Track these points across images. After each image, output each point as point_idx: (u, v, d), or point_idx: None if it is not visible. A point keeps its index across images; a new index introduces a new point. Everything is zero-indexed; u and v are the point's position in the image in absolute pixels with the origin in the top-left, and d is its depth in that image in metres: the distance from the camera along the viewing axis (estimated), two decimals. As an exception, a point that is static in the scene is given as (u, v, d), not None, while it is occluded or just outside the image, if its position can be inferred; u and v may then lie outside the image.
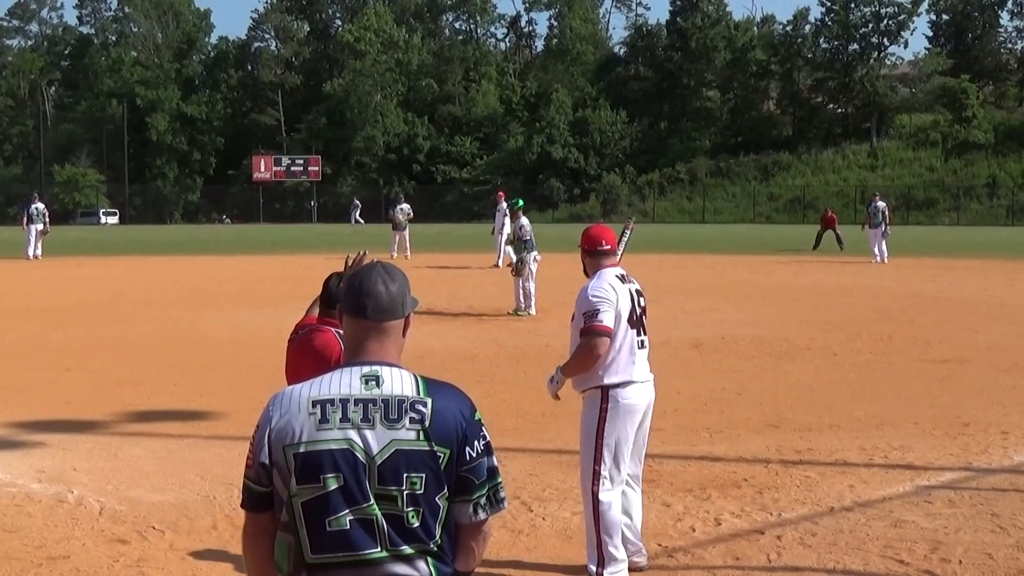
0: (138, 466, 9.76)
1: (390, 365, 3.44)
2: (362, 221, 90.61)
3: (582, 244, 7.15)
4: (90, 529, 7.95)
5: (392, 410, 3.32)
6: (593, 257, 7.07)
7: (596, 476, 6.76)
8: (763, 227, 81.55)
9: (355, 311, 3.48)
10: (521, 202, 25.09)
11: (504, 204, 36.94)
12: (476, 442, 3.40)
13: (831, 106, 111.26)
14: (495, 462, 3.47)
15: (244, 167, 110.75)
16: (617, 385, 6.79)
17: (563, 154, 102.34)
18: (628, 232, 7.47)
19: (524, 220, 23.38)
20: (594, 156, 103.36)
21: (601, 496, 6.74)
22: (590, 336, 6.68)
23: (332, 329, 5.78)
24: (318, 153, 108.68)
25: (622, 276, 7.00)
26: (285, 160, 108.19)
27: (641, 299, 7.03)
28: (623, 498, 6.91)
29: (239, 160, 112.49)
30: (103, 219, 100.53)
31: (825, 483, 9.07)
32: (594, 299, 6.75)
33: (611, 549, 6.74)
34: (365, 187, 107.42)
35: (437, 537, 3.34)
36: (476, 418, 3.44)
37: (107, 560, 7.30)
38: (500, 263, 33.92)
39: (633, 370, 6.87)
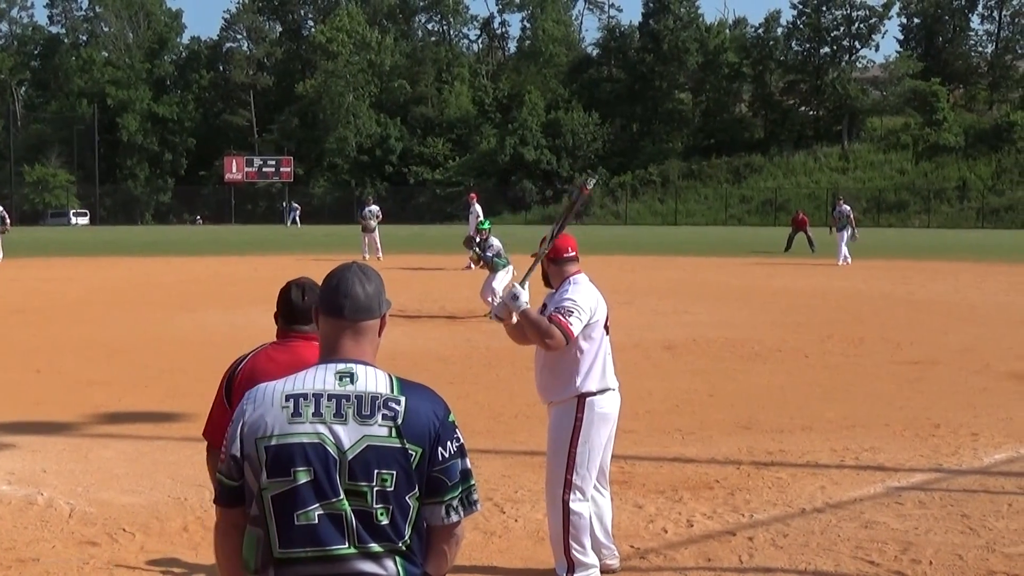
0: (108, 468, 9.71)
1: (365, 363, 3.45)
2: (299, 224, 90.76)
3: (547, 254, 6.92)
4: (60, 531, 7.91)
5: (365, 406, 3.33)
6: (558, 265, 6.92)
7: (568, 485, 6.68)
8: (735, 229, 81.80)
9: (332, 311, 3.49)
10: (488, 224, 24.78)
11: (477, 207, 36.96)
12: (449, 443, 3.40)
13: (803, 109, 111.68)
14: (469, 464, 3.46)
15: (216, 168, 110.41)
16: (594, 393, 6.74)
17: (536, 156, 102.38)
18: (582, 196, 7.26)
19: (493, 241, 22.71)
20: (567, 158, 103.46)
21: (572, 505, 6.68)
22: (555, 327, 6.51)
23: (313, 342, 4.87)
24: (290, 154, 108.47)
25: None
26: (257, 161, 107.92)
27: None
28: (592, 502, 6.87)
29: (211, 161, 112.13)
30: (73, 220, 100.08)
31: (796, 484, 9.09)
32: (569, 303, 6.63)
33: (580, 555, 6.71)
34: (337, 188, 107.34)
35: (406, 537, 3.34)
36: (450, 419, 3.44)
37: (77, 562, 7.26)
38: (472, 265, 33.87)
39: (608, 378, 6.86)
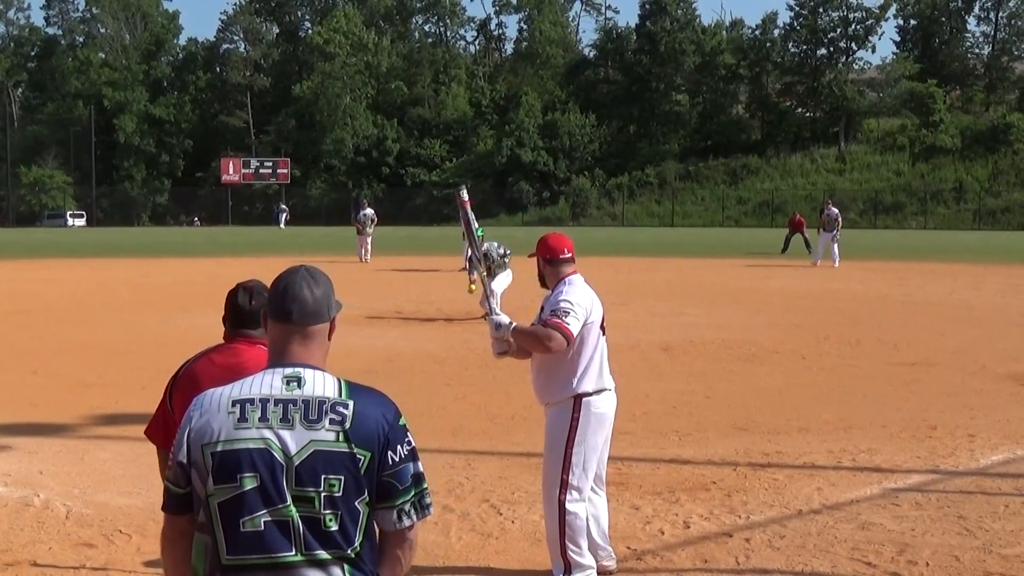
0: (105, 469, 9.70)
1: (313, 368, 3.41)
2: (283, 227, 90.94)
3: (541, 253, 6.96)
4: (56, 533, 7.90)
5: (312, 411, 3.29)
6: (554, 266, 6.90)
7: (564, 485, 6.65)
8: (732, 230, 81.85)
9: (280, 316, 3.45)
10: (481, 232, 24.58)
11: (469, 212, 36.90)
12: (399, 446, 3.35)
13: (799, 110, 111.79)
14: (421, 468, 3.42)
15: (212, 169, 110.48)
16: (590, 394, 6.72)
17: (532, 157, 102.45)
18: (463, 209, 7.22)
19: (487, 245, 22.55)
20: (563, 159, 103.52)
21: (568, 506, 6.65)
22: (553, 329, 6.51)
23: (264, 347, 4.46)
24: (287, 155, 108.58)
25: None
26: (254, 162, 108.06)
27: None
28: (588, 503, 6.86)
29: (207, 162, 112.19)
30: (70, 221, 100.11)
31: (793, 486, 9.09)
32: (565, 304, 6.62)
33: (576, 556, 6.70)
34: (334, 189, 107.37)
35: (356, 544, 3.29)
36: (400, 423, 3.39)
37: (74, 564, 7.25)
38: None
39: (605, 378, 6.85)
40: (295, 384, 3.34)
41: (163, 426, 4.99)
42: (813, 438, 10.92)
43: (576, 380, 6.70)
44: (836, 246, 37.63)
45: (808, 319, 21.93)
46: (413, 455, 3.39)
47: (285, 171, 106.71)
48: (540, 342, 6.56)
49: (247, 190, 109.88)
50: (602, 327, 6.89)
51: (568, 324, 6.55)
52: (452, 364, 16.01)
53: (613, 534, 7.34)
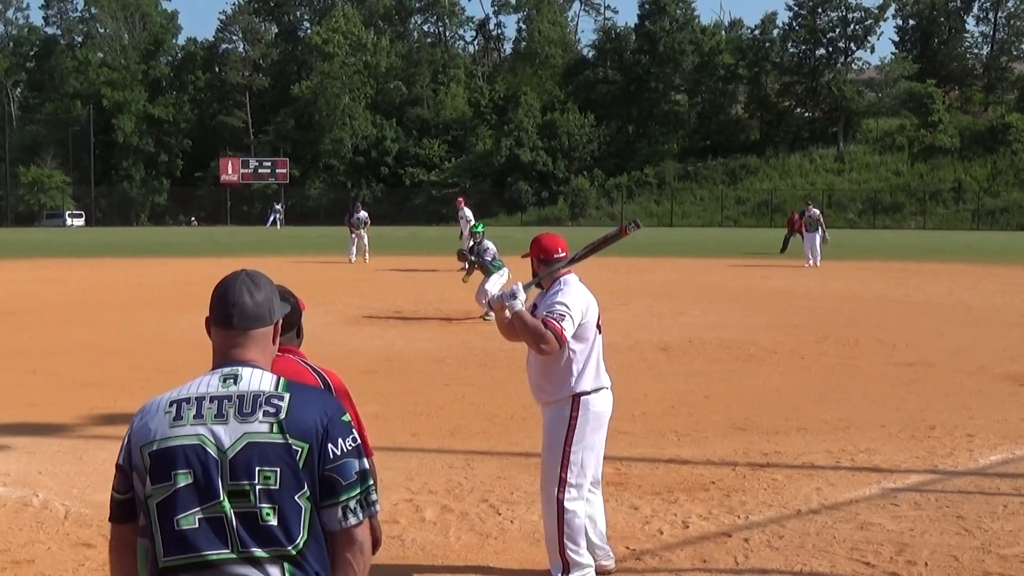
0: (104, 469, 9.68)
1: (253, 366, 3.39)
2: (278, 226, 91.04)
3: (535, 253, 6.95)
4: (55, 533, 7.90)
5: (247, 404, 3.26)
6: (549, 266, 6.90)
7: (562, 484, 6.65)
8: (731, 230, 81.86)
9: (221, 321, 3.44)
10: (481, 227, 24.61)
11: (467, 210, 36.96)
12: (341, 440, 3.30)
13: (798, 110, 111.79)
14: (367, 466, 3.37)
15: (211, 169, 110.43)
16: (588, 392, 6.73)
17: (531, 157, 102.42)
18: (620, 237, 7.18)
19: (488, 244, 22.61)
20: (562, 159, 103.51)
21: (567, 504, 6.65)
22: (548, 330, 6.51)
23: (292, 356, 4.48)
24: (286, 155, 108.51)
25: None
26: (253, 162, 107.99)
27: None
28: (586, 503, 6.86)
29: (206, 162, 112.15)
30: (69, 221, 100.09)
31: (792, 486, 9.09)
32: (560, 307, 6.61)
33: (575, 555, 6.70)
34: (333, 190, 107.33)
35: (298, 541, 3.23)
36: (344, 419, 3.36)
37: (72, 564, 7.25)
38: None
39: (602, 377, 6.86)
40: (231, 381, 3.33)
41: None
42: (812, 438, 10.92)
43: (574, 379, 6.71)
44: (816, 247, 37.73)
45: (807, 319, 21.93)
46: (358, 452, 3.34)
47: (284, 171, 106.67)
48: (534, 338, 6.55)
49: (246, 190, 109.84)
50: (598, 326, 6.89)
51: (563, 328, 6.55)
52: (451, 364, 16.01)
53: (611, 534, 7.35)
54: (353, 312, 21.76)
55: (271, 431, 3.23)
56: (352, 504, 3.30)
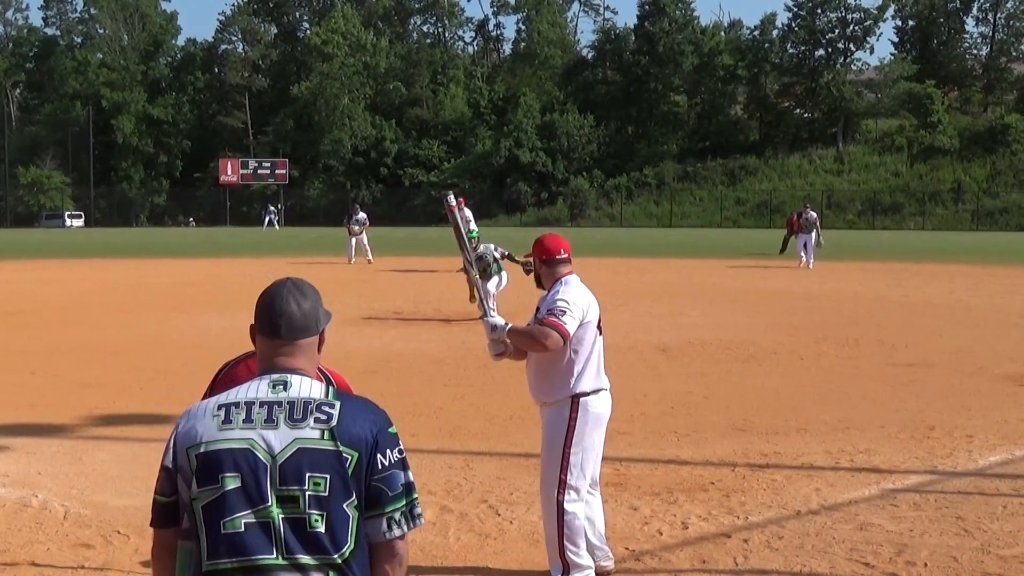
0: (103, 470, 9.69)
1: (301, 373, 3.38)
2: (276, 227, 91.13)
3: (537, 254, 6.97)
4: (54, 533, 7.89)
5: (297, 410, 3.26)
6: (551, 267, 6.91)
7: (562, 485, 6.65)
8: (730, 231, 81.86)
9: (268, 331, 3.43)
10: (475, 233, 24.64)
11: (466, 211, 36.96)
12: (389, 451, 3.30)
13: (798, 111, 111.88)
14: (411, 478, 3.36)
15: (211, 170, 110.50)
16: (587, 393, 6.73)
17: (531, 158, 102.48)
18: (452, 214, 7.22)
19: (482, 247, 22.57)
20: (562, 160, 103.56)
21: (567, 506, 6.64)
22: (550, 328, 6.52)
23: None
24: (285, 156, 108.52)
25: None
26: (252, 163, 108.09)
27: None
28: (585, 504, 6.85)
29: (206, 163, 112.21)
30: (68, 222, 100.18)
31: (791, 486, 9.09)
32: (562, 303, 6.62)
33: (575, 556, 6.69)
34: (333, 190, 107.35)
35: (345, 550, 3.22)
36: (391, 430, 3.35)
37: (72, 565, 7.24)
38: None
39: (601, 378, 6.86)
40: (281, 387, 3.31)
41: None
42: (811, 439, 10.92)
43: (573, 380, 6.70)
44: (813, 248, 37.78)
45: (806, 320, 21.93)
46: (404, 464, 3.34)
47: (284, 172, 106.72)
48: (537, 341, 6.55)
49: (245, 191, 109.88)
50: (599, 327, 6.89)
51: (565, 323, 6.55)
52: (450, 365, 16.01)
53: (611, 535, 7.35)
54: (352, 313, 21.74)
55: (322, 438, 3.23)
56: (397, 516, 3.31)
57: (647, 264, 39.17)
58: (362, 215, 40.94)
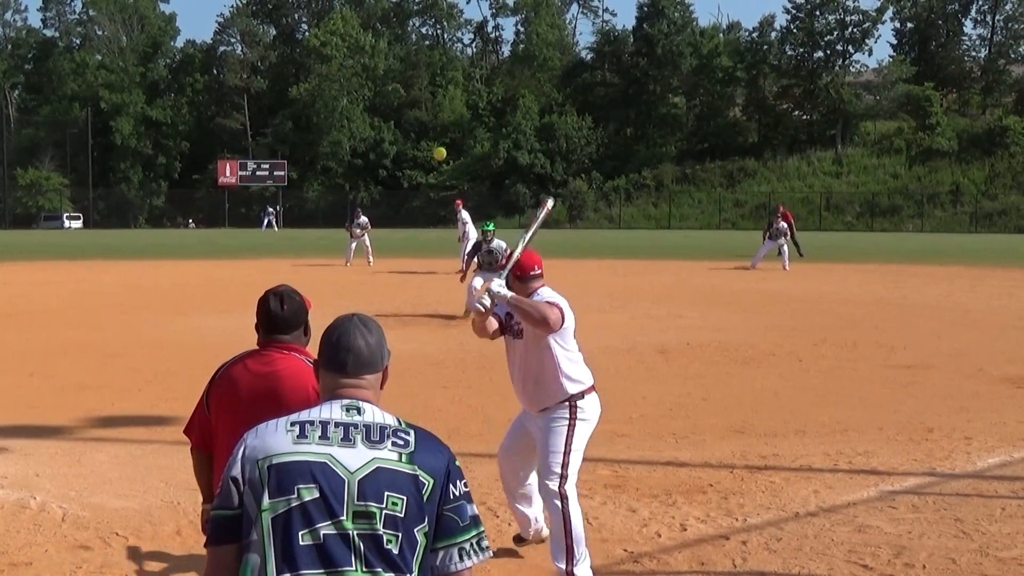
0: (102, 472, 9.69)
1: (371, 403, 3.40)
2: (275, 228, 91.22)
3: (512, 271, 7.02)
4: (53, 535, 7.89)
5: (374, 433, 3.27)
6: (524, 283, 7.06)
7: (564, 479, 6.79)
8: (728, 233, 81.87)
9: (335, 366, 3.44)
10: (491, 226, 24.65)
11: (464, 213, 36.95)
12: (459, 482, 3.33)
13: (796, 113, 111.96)
14: (477, 511, 3.39)
15: (209, 171, 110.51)
16: (582, 395, 6.93)
17: (529, 159, 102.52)
18: (544, 213, 7.30)
19: (495, 243, 22.71)
20: (560, 162, 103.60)
21: (570, 495, 6.78)
22: (552, 309, 6.73)
23: (298, 355, 4.94)
24: (284, 158, 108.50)
25: None
26: (251, 164, 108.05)
27: None
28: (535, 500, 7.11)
29: (204, 164, 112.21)
30: (67, 223, 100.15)
31: (790, 488, 9.09)
32: (553, 298, 6.87)
33: (579, 546, 6.78)
34: (331, 192, 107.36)
35: (415, 573, 3.22)
36: (457, 464, 3.38)
37: (70, 566, 7.24)
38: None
39: (589, 379, 7.06)
40: (355, 411, 3.33)
41: (198, 426, 5.11)
42: (810, 441, 10.92)
43: (568, 384, 6.91)
44: (785, 250, 37.90)
45: (805, 322, 21.93)
46: (470, 497, 3.37)
47: (282, 173, 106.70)
48: (539, 314, 6.70)
49: (244, 192, 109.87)
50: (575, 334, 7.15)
51: (561, 312, 6.78)
52: (449, 366, 16.01)
53: (610, 536, 7.52)
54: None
55: (400, 460, 3.24)
56: (468, 547, 3.33)
57: (645, 266, 39.17)
58: (364, 219, 40.91)
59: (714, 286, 30.57)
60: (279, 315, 4.99)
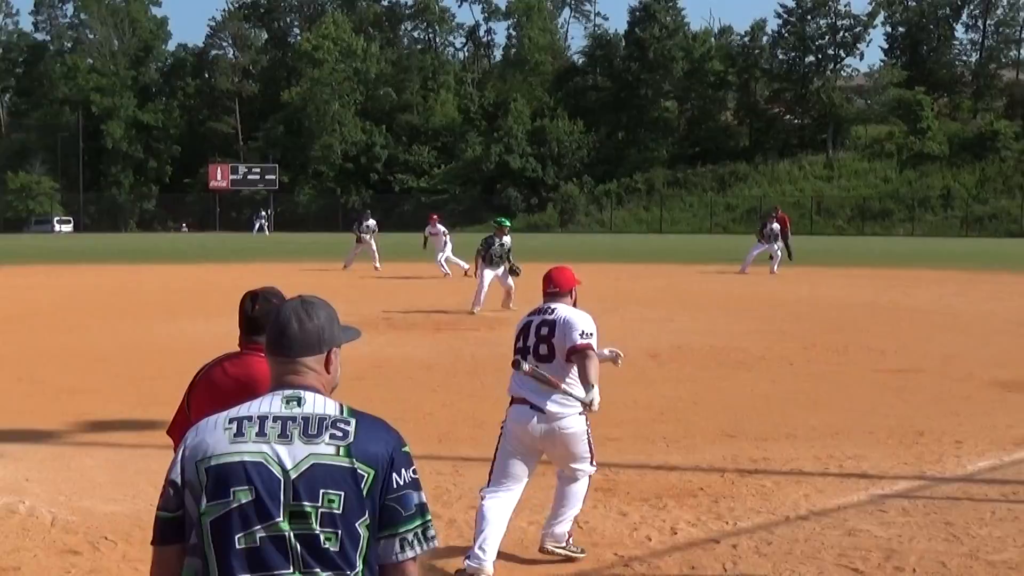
0: (91, 476, 9.66)
1: (314, 390, 3.35)
2: (267, 232, 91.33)
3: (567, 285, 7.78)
4: (42, 540, 7.87)
5: (312, 426, 3.21)
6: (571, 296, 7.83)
7: (591, 462, 7.38)
8: (720, 237, 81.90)
9: (273, 350, 3.41)
10: (508, 221, 26.13)
11: (440, 227, 36.97)
12: (404, 471, 3.26)
13: (788, 117, 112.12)
14: (425, 499, 3.32)
15: (200, 175, 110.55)
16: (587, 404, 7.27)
17: (521, 164, 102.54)
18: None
19: (507, 239, 24.68)
20: (552, 166, 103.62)
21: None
22: (591, 350, 7.28)
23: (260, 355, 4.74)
24: (275, 162, 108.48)
25: None
26: (242, 168, 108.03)
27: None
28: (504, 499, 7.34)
29: (195, 168, 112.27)
30: (57, 227, 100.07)
31: (780, 492, 9.09)
32: (591, 324, 7.41)
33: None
34: (323, 196, 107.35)
35: (357, 571, 3.17)
36: (405, 450, 3.31)
37: (59, 571, 7.22)
38: (450, 273, 34.58)
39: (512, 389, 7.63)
40: (295, 403, 3.28)
41: (180, 428, 5.11)
42: (800, 444, 10.93)
43: (576, 391, 7.26)
44: (778, 254, 37.93)
45: (795, 326, 21.95)
46: (417, 484, 3.30)
47: (274, 177, 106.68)
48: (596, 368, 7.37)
49: (235, 196, 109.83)
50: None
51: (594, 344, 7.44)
52: (439, 370, 16.00)
53: (600, 540, 7.59)
54: (341, 318, 21.71)
55: (337, 454, 3.19)
56: (411, 537, 3.26)
57: (637, 270, 39.17)
58: (372, 222, 40.60)
59: (705, 290, 30.59)
60: (252, 316, 5.00)
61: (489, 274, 24.04)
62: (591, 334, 7.29)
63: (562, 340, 7.22)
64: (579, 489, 7.39)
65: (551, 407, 7.18)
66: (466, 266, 32.57)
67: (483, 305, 23.56)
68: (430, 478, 9.36)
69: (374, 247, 39.30)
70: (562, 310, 7.44)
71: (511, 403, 7.52)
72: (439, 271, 35.21)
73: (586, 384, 7.17)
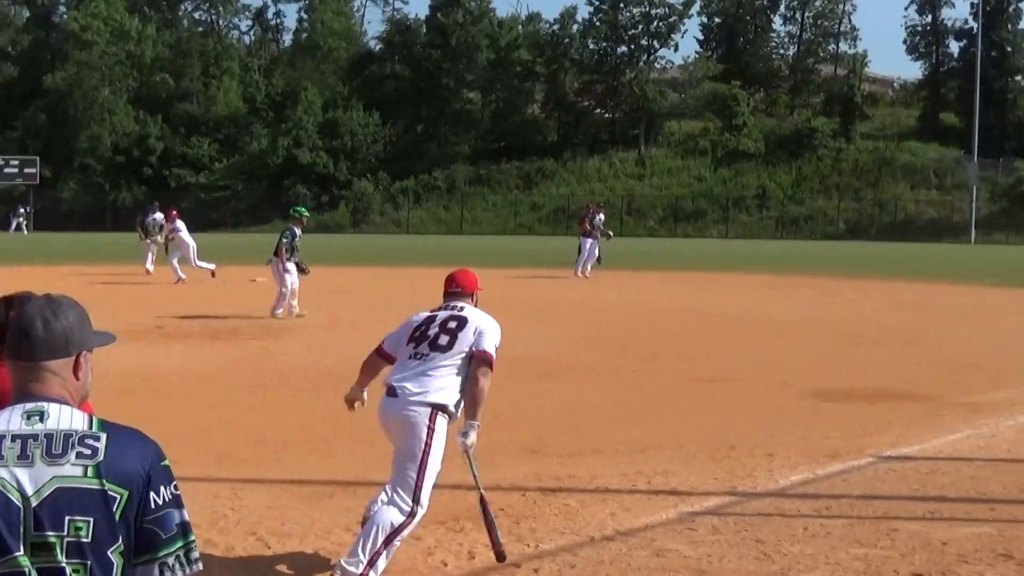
0: None
1: (60, 402, 3.21)
2: (24, 231, 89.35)
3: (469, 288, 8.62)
4: None
5: (56, 444, 3.09)
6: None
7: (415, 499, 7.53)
8: (525, 238, 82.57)
9: (13, 352, 3.28)
10: (306, 211, 26.50)
11: (179, 223, 36.25)
12: (163, 488, 3.17)
13: (598, 111, 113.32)
14: (187, 517, 3.24)
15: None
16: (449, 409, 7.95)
17: (311, 158, 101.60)
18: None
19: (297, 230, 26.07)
20: (345, 161, 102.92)
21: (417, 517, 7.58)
22: (491, 369, 8.02)
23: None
24: (36, 153, 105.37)
25: None
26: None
27: None
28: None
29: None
30: None
31: (585, 511, 9.18)
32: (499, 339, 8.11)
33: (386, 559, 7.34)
34: (89, 192, 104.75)
35: None
36: (163, 464, 3.22)
37: None
38: (184, 277, 34.26)
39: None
40: (37, 418, 3.14)
41: None
42: (607, 460, 11.05)
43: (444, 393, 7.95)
44: (596, 251, 38.42)
45: (605, 333, 22.23)
46: (179, 502, 3.22)
47: (33, 171, 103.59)
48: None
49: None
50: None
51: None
52: (219, 383, 15.77)
53: (391, 567, 7.45)
54: (108, 326, 21.20)
55: (85, 475, 3.06)
56: (171, 561, 3.18)
57: (434, 273, 39.06)
58: (159, 215, 38.97)
59: (506, 295, 30.74)
60: (4, 324, 4.82)
61: (293, 268, 24.14)
62: (497, 350, 7.61)
63: (472, 339, 7.48)
64: (389, 519, 7.21)
65: (411, 386, 7.26)
66: (184, 275, 33.22)
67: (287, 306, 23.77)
68: (206, 503, 9.20)
69: (154, 247, 38.11)
70: (474, 312, 8.17)
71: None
72: (175, 275, 34.57)
73: (471, 414, 7.34)
